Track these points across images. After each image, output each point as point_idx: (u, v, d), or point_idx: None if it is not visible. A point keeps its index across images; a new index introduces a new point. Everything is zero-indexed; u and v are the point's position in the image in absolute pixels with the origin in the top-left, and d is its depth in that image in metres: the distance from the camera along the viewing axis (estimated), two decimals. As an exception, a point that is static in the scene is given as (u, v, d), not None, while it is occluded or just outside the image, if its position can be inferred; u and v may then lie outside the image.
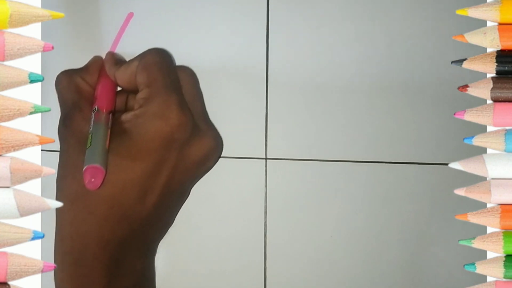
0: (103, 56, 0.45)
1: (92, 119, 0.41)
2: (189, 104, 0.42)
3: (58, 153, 0.43)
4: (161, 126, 0.40)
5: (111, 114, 0.42)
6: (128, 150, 0.40)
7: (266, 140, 0.45)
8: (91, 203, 0.40)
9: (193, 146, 0.42)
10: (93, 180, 0.38)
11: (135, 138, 0.40)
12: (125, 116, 0.41)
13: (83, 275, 0.41)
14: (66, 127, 0.42)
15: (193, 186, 0.45)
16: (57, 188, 0.42)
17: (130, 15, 0.44)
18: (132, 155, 0.40)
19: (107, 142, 0.41)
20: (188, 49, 0.45)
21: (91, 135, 0.40)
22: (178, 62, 0.45)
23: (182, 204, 0.45)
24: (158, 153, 0.40)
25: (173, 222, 0.45)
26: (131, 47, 0.45)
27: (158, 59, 0.42)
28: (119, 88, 0.45)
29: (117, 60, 0.44)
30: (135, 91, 0.43)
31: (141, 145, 0.40)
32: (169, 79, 0.42)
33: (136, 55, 0.43)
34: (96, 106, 0.42)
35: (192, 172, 0.43)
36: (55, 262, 0.42)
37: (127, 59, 0.45)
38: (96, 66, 0.44)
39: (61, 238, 0.41)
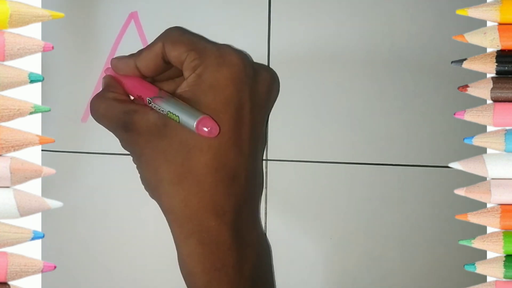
0: (103, 72, 0.45)
1: (156, 107, 0.41)
2: None
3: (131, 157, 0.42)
4: (228, 70, 0.40)
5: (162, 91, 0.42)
6: (208, 105, 0.40)
7: (266, 142, 0.45)
8: (197, 175, 0.40)
9: (258, 82, 0.42)
10: (209, 128, 0.38)
11: (209, 92, 0.40)
12: (183, 85, 0.41)
13: (211, 252, 0.40)
14: (132, 131, 0.41)
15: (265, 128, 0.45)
16: (155, 181, 0.41)
17: (133, 15, 0.44)
18: (215, 109, 0.40)
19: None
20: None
21: (170, 113, 0.40)
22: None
23: (263, 153, 0.45)
24: (235, 97, 0.40)
25: (263, 182, 0.45)
26: (131, 47, 0.45)
27: (181, 31, 0.42)
28: None
29: (125, 56, 0.44)
30: (160, 74, 0.43)
31: (218, 95, 0.40)
32: (204, 38, 0.43)
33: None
34: (147, 98, 0.41)
35: (264, 108, 0.44)
36: (178, 248, 0.41)
37: None
38: (113, 80, 0.44)
39: (179, 223, 0.41)
